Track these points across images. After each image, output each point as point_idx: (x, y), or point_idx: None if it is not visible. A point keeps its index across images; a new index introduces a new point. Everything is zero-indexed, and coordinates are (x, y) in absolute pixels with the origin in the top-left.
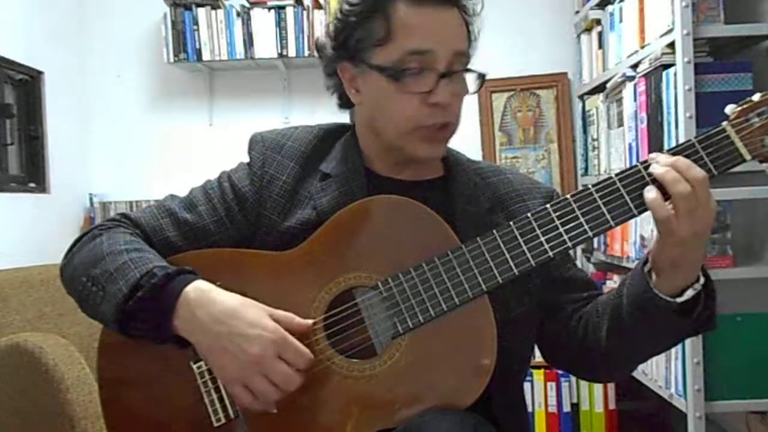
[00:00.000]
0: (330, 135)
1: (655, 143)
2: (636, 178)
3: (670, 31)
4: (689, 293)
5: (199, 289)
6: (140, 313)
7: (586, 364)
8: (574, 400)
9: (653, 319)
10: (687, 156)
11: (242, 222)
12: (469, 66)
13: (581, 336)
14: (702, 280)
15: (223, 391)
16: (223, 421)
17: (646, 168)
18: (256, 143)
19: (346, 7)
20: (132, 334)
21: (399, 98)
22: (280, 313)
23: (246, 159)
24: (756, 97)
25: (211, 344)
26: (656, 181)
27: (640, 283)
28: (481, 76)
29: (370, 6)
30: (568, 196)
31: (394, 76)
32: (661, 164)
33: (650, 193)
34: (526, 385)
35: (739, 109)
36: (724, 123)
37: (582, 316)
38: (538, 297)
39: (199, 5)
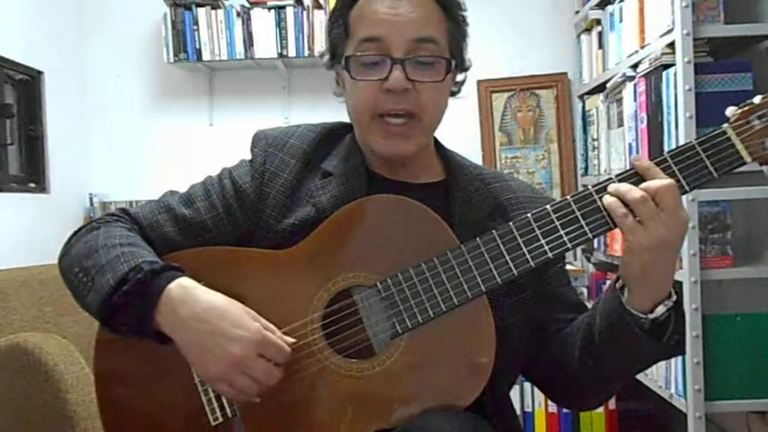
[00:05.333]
0: (333, 133)
1: (655, 143)
2: (632, 179)
3: (670, 31)
4: (660, 309)
5: (182, 286)
6: (123, 307)
7: (558, 385)
8: None
9: (624, 337)
10: (687, 158)
11: (241, 219)
12: (466, 58)
13: (557, 355)
14: (674, 297)
15: None
16: (221, 420)
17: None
18: (259, 140)
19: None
20: (114, 327)
21: (358, 87)
22: (264, 322)
23: (248, 157)
24: (757, 99)
25: (192, 342)
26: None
27: (612, 300)
28: (449, 63)
29: (340, 7)
30: (568, 197)
31: (351, 64)
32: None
33: (608, 198)
34: (527, 385)
35: (740, 111)
36: (725, 125)
37: (562, 336)
38: (532, 309)
39: (199, 5)
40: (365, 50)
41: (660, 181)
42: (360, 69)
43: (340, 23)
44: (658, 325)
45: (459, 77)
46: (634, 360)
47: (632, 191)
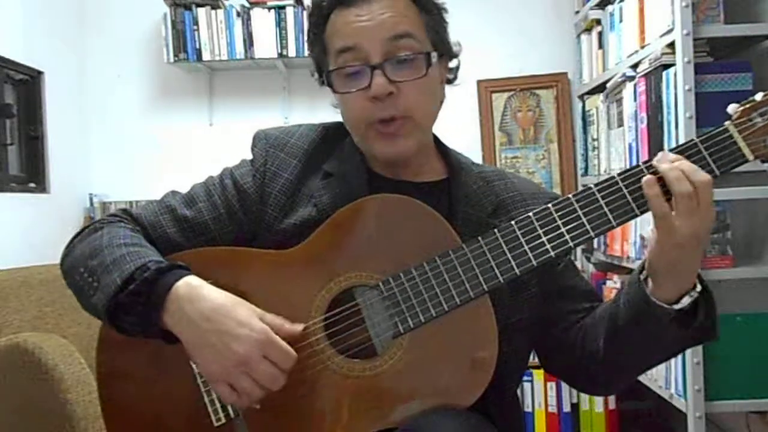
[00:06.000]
0: (334, 134)
1: (655, 143)
2: (639, 177)
3: (670, 31)
4: (686, 300)
5: (189, 284)
6: (130, 306)
7: (585, 374)
8: (574, 400)
9: (650, 327)
10: (689, 156)
11: (243, 218)
12: (451, 44)
13: (580, 345)
14: (699, 287)
15: None
16: (223, 420)
17: (649, 168)
18: (260, 140)
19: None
20: (120, 326)
21: (347, 100)
22: (271, 316)
23: (248, 157)
24: (758, 96)
25: (197, 341)
26: (661, 179)
27: (637, 292)
28: (428, 57)
29: (314, 27)
30: (570, 195)
31: (333, 79)
32: (666, 161)
33: (651, 189)
34: (527, 385)
35: (742, 108)
36: (727, 123)
37: (582, 326)
38: (539, 307)
39: (199, 5)
40: (344, 62)
41: (702, 176)
42: (342, 81)
43: (317, 42)
44: (684, 314)
45: (451, 64)
46: (662, 348)
47: (682, 182)
